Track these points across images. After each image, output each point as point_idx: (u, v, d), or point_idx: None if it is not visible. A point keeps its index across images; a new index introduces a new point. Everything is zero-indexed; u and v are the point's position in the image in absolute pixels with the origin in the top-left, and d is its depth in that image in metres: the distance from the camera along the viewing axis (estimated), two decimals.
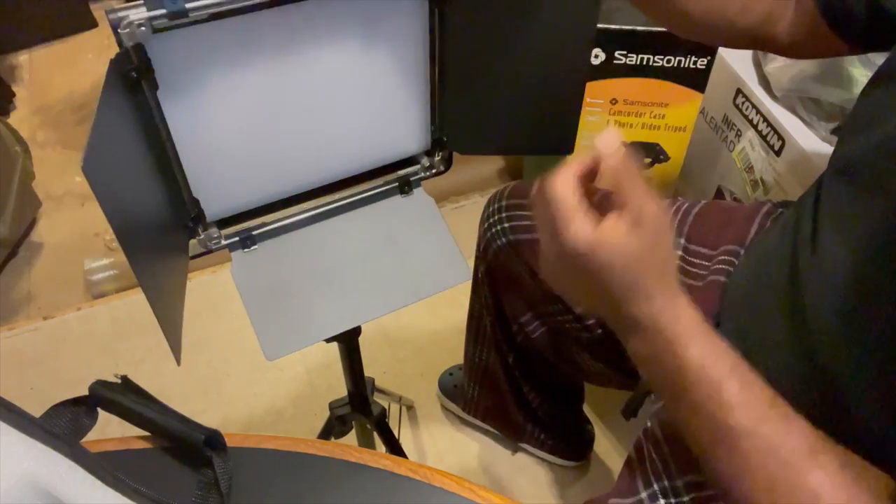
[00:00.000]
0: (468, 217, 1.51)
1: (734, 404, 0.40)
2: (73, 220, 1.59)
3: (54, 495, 0.36)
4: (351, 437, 0.85)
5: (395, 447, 0.82)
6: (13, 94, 1.89)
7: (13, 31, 2.00)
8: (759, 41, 0.60)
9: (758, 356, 0.56)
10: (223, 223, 0.55)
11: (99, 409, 0.45)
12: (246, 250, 0.55)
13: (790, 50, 0.60)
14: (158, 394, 0.46)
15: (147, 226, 0.45)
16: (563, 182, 0.42)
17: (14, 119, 1.84)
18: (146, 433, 0.47)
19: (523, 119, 0.55)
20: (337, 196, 0.57)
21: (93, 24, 2.10)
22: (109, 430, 0.46)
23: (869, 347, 0.44)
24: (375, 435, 0.84)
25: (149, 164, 0.46)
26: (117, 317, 1.34)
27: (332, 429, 0.80)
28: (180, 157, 0.48)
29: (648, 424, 0.61)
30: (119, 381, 0.46)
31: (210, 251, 0.55)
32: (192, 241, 0.54)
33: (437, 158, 0.59)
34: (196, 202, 0.51)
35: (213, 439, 0.45)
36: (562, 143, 0.55)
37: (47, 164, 1.71)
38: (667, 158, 1.21)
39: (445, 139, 0.57)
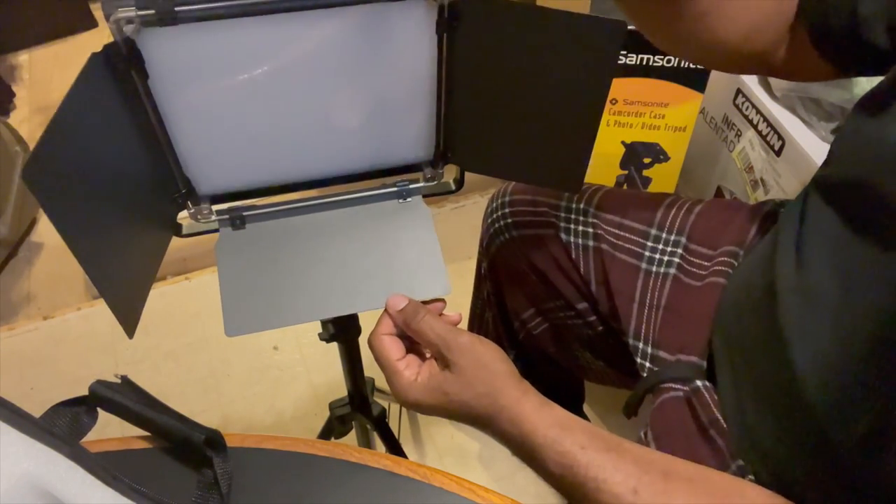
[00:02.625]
0: (468, 217, 1.52)
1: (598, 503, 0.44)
2: None
3: (54, 495, 0.36)
4: (351, 438, 0.86)
5: (395, 447, 0.82)
6: (13, 94, 1.89)
7: (13, 31, 2.00)
8: (759, 67, 0.61)
9: (741, 369, 0.56)
10: (216, 200, 0.55)
11: (99, 409, 0.45)
12: (234, 229, 0.55)
13: (788, 74, 0.61)
14: (158, 394, 0.46)
15: (117, 204, 0.45)
16: (379, 344, 0.52)
17: (14, 119, 1.84)
18: (146, 433, 0.47)
19: (531, 150, 0.55)
20: (334, 191, 0.58)
21: (93, 24, 2.10)
22: (109, 430, 0.46)
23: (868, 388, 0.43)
24: (375, 435, 0.84)
25: (132, 145, 0.47)
26: None
27: (333, 429, 0.80)
28: (171, 140, 0.49)
29: (648, 423, 0.61)
30: (119, 381, 0.46)
31: (201, 233, 0.56)
32: (188, 222, 0.55)
33: (440, 171, 0.59)
34: (187, 180, 0.52)
35: (213, 439, 0.45)
36: (569, 182, 0.55)
37: None
38: (667, 158, 1.21)
39: (450, 154, 0.57)
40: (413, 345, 0.54)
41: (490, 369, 0.49)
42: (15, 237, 1.49)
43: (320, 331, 0.66)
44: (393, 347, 0.53)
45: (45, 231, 1.57)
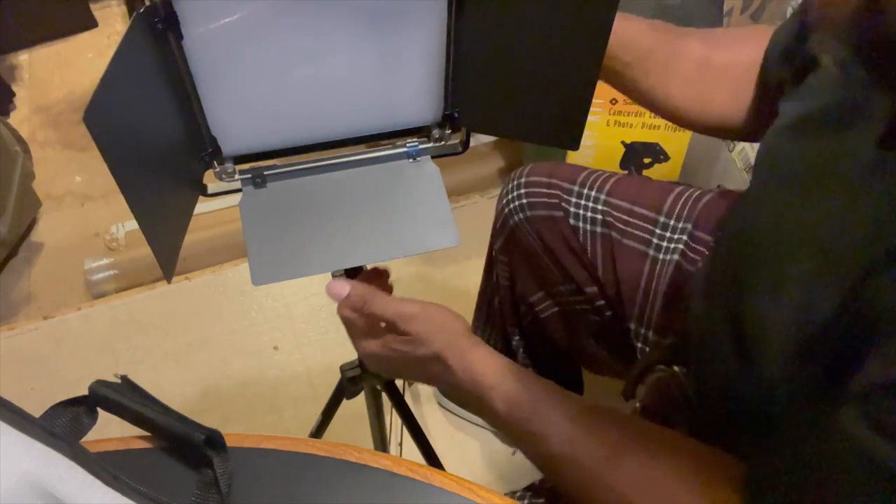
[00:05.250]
0: (468, 217, 1.52)
1: (542, 435, 0.49)
2: (73, 220, 1.60)
3: (54, 495, 0.37)
4: (359, 400, 0.85)
5: (402, 407, 0.83)
6: (13, 94, 1.89)
7: (13, 31, 2.00)
8: (723, 133, 0.69)
9: (701, 351, 0.58)
10: (240, 161, 0.59)
11: (99, 409, 0.45)
12: (256, 188, 0.59)
13: (754, 136, 0.65)
14: (158, 394, 0.46)
15: (154, 158, 0.49)
16: (345, 309, 0.57)
17: (14, 119, 1.84)
18: (146, 433, 0.47)
19: (533, 108, 0.58)
20: (349, 151, 0.62)
21: (93, 24, 2.11)
22: (109, 430, 0.46)
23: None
24: (384, 396, 0.85)
25: (167, 104, 0.50)
26: (117, 317, 1.34)
27: (344, 389, 0.82)
28: (201, 101, 0.52)
29: (640, 402, 0.64)
30: (119, 381, 0.46)
31: (225, 192, 0.59)
32: (213, 183, 0.58)
33: (447, 132, 0.62)
34: (214, 140, 0.55)
35: (213, 439, 0.45)
36: (567, 138, 0.58)
37: (47, 164, 1.71)
38: (667, 158, 1.21)
39: (456, 115, 0.60)
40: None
41: (442, 328, 0.55)
42: (15, 237, 1.49)
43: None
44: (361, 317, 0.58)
45: (45, 231, 1.57)
